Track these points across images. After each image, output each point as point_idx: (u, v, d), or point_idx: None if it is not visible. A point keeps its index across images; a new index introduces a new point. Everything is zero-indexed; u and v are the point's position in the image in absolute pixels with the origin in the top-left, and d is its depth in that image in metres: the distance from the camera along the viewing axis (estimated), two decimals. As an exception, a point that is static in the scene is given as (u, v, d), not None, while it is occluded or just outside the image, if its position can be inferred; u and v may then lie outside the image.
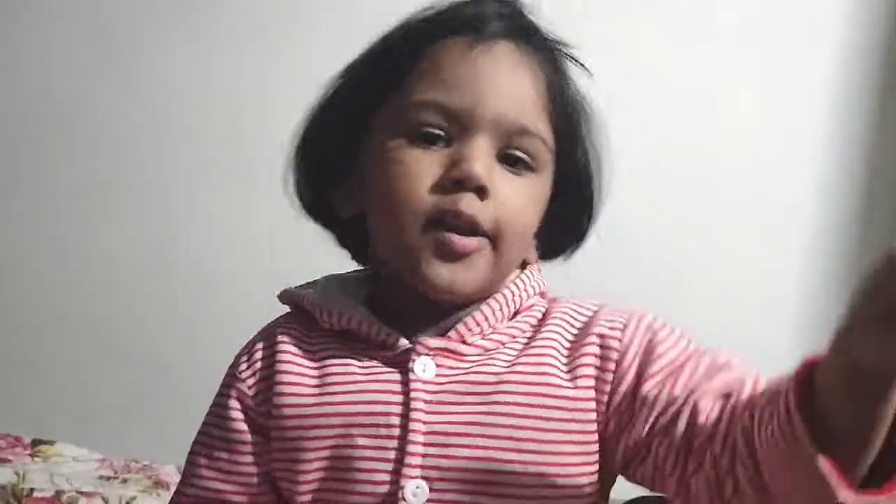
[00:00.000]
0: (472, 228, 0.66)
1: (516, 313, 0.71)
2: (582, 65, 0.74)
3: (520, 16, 0.71)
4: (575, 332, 0.69)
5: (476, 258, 0.67)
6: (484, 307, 0.69)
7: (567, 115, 0.71)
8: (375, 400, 0.66)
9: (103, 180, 1.59)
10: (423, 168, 0.66)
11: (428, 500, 0.63)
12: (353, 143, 0.71)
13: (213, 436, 0.72)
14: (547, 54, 0.71)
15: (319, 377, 0.68)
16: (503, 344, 0.69)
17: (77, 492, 1.28)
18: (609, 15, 1.54)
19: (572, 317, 0.71)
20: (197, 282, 1.58)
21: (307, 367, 0.69)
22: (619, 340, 0.67)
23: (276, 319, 0.75)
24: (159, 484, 1.34)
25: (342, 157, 0.72)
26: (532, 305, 0.72)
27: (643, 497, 1.02)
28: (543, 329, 0.70)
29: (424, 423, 0.65)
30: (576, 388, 0.66)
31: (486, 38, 0.68)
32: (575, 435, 0.65)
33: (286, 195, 0.76)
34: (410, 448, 0.64)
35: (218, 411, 0.72)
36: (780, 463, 0.53)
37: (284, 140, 0.75)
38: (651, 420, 0.64)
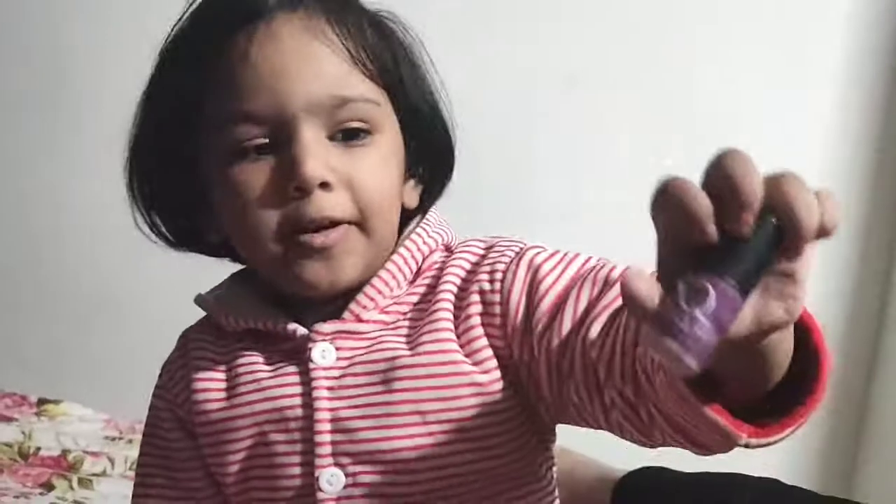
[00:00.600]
0: (331, 224, 0.62)
1: (417, 275, 0.68)
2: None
3: None
4: (461, 286, 0.65)
5: (344, 247, 0.63)
6: (375, 280, 0.66)
7: (382, 60, 0.65)
8: (280, 395, 0.65)
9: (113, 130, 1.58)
10: (259, 184, 0.62)
11: (345, 486, 0.63)
12: (189, 168, 0.66)
13: (151, 454, 0.72)
14: (340, 13, 0.65)
15: (228, 381, 0.67)
16: (403, 314, 0.66)
17: (83, 451, 1.29)
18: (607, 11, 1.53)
19: (460, 268, 0.66)
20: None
21: (217, 373, 0.68)
22: (499, 292, 0.63)
23: (192, 325, 0.74)
24: (164, 445, 1.35)
25: (187, 185, 0.67)
26: (433, 264, 0.68)
27: (643, 468, 1.02)
28: (437, 292, 0.65)
29: (329, 409, 0.63)
30: (475, 362, 0.63)
31: (264, 19, 0.62)
32: (482, 408, 0.63)
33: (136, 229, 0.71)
34: (318, 438, 0.63)
35: (152, 422, 0.72)
36: (676, 410, 0.49)
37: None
38: (553, 368, 0.60)
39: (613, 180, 1.54)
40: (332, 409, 0.63)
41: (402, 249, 0.67)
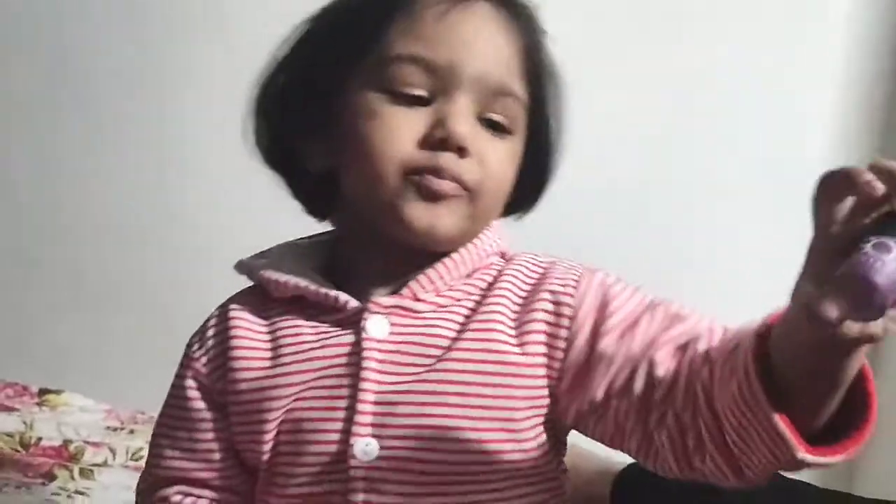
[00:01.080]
0: (456, 183, 0.66)
1: (474, 271, 0.71)
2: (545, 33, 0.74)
3: None
4: (526, 289, 0.69)
5: (455, 203, 0.66)
6: (438, 265, 0.69)
7: (539, 79, 0.72)
8: (327, 364, 0.66)
9: (105, 127, 1.58)
10: (404, 125, 0.66)
11: (378, 458, 0.64)
12: (327, 94, 0.69)
13: (172, 416, 0.73)
14: (523, 18, 0.71)
15: (272, 347, 0.69)
16: (457, 300, 0.69)
17: (84, 441, 1.29)
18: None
19: (524, 274, 0.70)
20: (206, 231, 1.57)
21: (260, 338, 0.70)
22: (572, 297, 0.66)
23: (235, 294, 0.75)
24: (165, 435, 1.35)
25: (315, 108, 0.70)
26: (490, 265, 0.72)
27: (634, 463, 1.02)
28: (495, 288, 0.69)
29: (376, 381, 0.65)
30: (524, 353, 0.66)
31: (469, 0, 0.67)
32: (522, 400, 0.66)
33: (245, 141, 0.74)
34: (360, 407, 0.65)
35: (176, 392, 0.73)
36: (740, 420, 0.53)
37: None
38: (609, 377, 0.64)
39: (613, 175, 1.55)
40: (378, 382, 0.65)
41: (469, 244, 0.71)
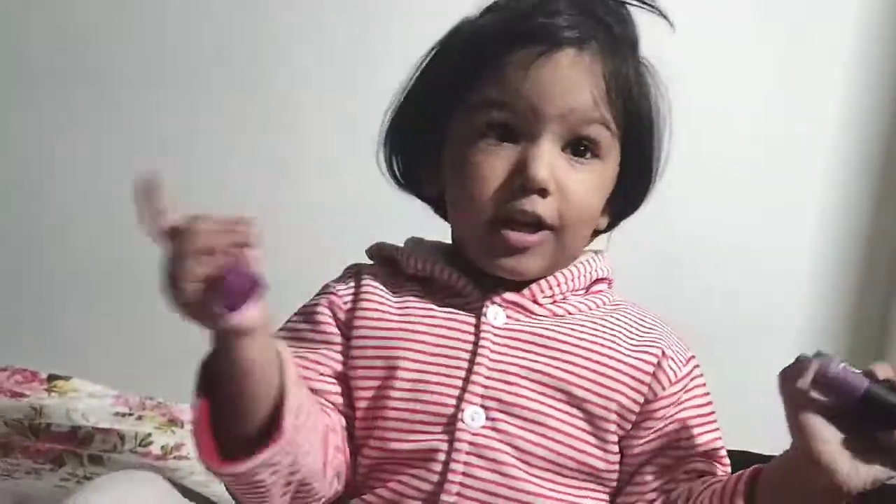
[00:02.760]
0: (536, 224, 0.73)
1: (588, 289, 0.79)
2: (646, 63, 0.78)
3: (588, 21, 0.73)
4: (639, 335, 0.76)
5: (538, 249, 0.74)
6: (559, 273, 0.77)
7: (630, 102, 0.75)
8: (450, 336, 0.74)
9: (111, 114, 1.58)
10: (491, 168, 0.72)
11: (483, 426, 0.71)
12: (437, 133, 0.77)
13: (297, 327, 0.78)
14: (612, 48, 0.74)
15: (401, 311, 0.76)
16: (571, 314, 0.77)
17: (93, 427, 1.29)
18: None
19: (639, 320, 0.78)
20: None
21: (390, 301, 0.77)
22: (675, 372, 0.74)
23: (360, 263, 0.82)
24: (174, 421, 1.35)
25: (428, 144, 0.78)
26: (601, 291, 0.80)
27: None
28: (612, 315, 0.77)
29: (490, 359, 0.73)
30: (633, 378, 0.74)
31: (553, 48, 0.72)
32: (615, 413, 0.73)
33: (379, 172, 0.84)
34: (474, 378, 0.72)
35: (307, 310, 0.79)
36: None
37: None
38: (641, 456, 0.74)
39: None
40: (492, 360, 0.73)
41: (587, 258, 0.80)
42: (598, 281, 0.80)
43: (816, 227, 1.59)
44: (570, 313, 0.77)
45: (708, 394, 0.77)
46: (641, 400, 0.73)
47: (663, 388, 0.74)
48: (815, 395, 0.61)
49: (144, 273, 1.68)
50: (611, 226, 0.83)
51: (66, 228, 1.60)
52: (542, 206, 0.72)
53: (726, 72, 1.53)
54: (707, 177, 1.53)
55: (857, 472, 0.60)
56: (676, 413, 0.74)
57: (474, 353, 0.73)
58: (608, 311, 0.78)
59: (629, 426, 0.74)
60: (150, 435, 1.30)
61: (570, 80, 0.72)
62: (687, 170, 1.51)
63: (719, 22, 1.53)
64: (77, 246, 1.61)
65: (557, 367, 0.73)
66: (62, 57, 1.56)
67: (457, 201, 0.76)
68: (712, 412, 0.76)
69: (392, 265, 0.80)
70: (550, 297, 0.77)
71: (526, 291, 0.76)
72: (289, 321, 0.79)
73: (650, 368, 0.74)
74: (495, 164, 0.72)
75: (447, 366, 0.73)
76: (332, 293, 0.78)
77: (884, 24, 1.55)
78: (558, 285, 0.77)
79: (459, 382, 0.72)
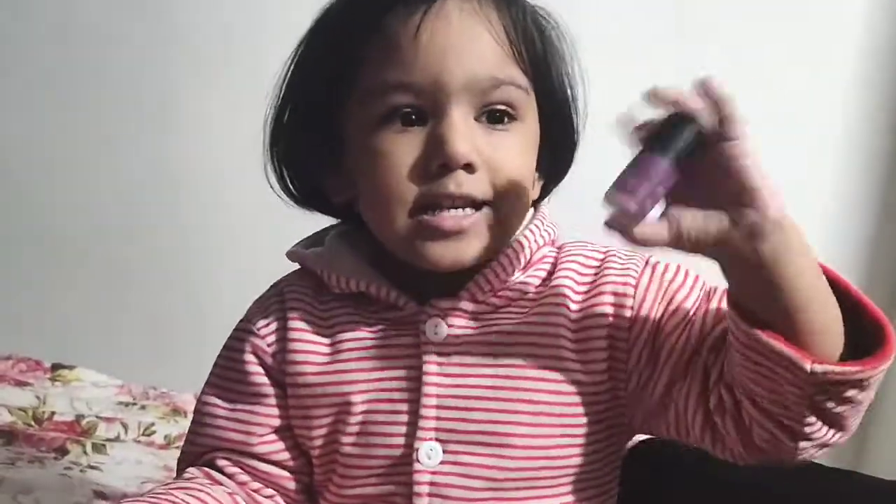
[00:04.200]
0: (468, 204, 0.64)
1: (528, 265, 0.70)
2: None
3: None
4: (583, 289, 0.68)
5: (475, 230, 0.65)
6: (494, 265, 0.68)
7: (535, 53, 0.68)
8: (391, 366, 0.67)
9: (115, 106, 1.58)
10: (403, 154, 0.64)
11: (441, 462, 0.65)
12: (333, 132, 0.68)
13: (227, 388, 0.71)
14: None
15: (331, 344, 0.68)
16: (513, 300, 0.68)
17: (97, 416, 1.30)
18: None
19: (582, 265, 0.69)
20: (219, 209, 1.58)
21: (319, 332, 0.69)
22: (633, 297, 0.66)
23: (286, 277, 0.74)
24: (177, 411, 1.36)
25: (325, 148, 0.69)
26: (543, 257, 0.70)
27: (648, 439, 1.02)
28: (553, 282, 0.68)
29: (438, 385, 0.66)
30: (586, 361, 0.66)
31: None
32: (585, 406, 0.66)
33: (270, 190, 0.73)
34: (424, 412, 0.65)
35: (234, 365, 0.71)
36: (751, 368, 0.57)
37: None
38: (668, 374, 0.64)
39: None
40: (439, 385, 0.66)
41: (521, 238, 0.69)
42: (540, 248, 0.70)
43: (820, 234, 1.59)
44: (512, 300, 0.68)
45: (678, 270, 0.68)
46: (622, 340, 0.65)
47: (634, 321, 0.65)
48: (647, 222, 0.54)
49: (150, 264, 1.70)
50: (544, 193, 0.74)
51: (73, 217, 1.61)
52: (470, 184, 0.63)
53: (738, 73, 1.53)
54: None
55: (709, 218, 0.54)
56: (665, 312, 0.65)
57: (419, 381, 0.66)
58: (551, 280, 0.68)
59: (633, 384, 0.66)
60: (153, 424, 1.30)
61: (466, 38, 0.63)
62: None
63: (728, 26, 1.53)
64: (84, 235, 1.61)
65: (512, 377, 0.65)
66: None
67: (372, 201, 0.66)
68: (694, 278, 0.68)
69: (316, 277, 0.72)
70: (490, 290, 0.68)
71: (464, 293, 0.67)
72: (215, 369, 0.73)
73: (609, 301, 0.66)
74: (406, 150, 0.63)
75: (392, 400, 0.66)
76: (254, 334, 0.71)
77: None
78: (496, 276, 0.67)
79: (408, 417, 0.65)
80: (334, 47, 0.67)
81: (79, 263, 1.62)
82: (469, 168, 0.63)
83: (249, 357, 0.70)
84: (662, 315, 0.65)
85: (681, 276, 0.68)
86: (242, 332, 0.72)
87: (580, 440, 0.66)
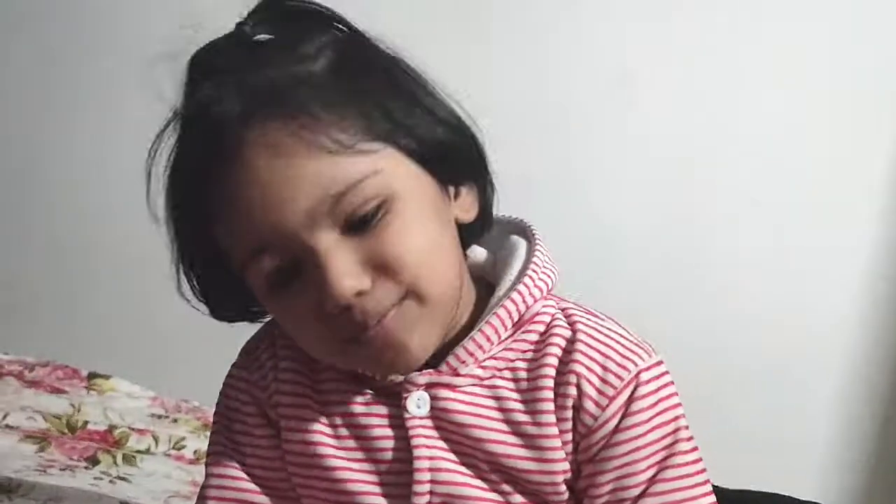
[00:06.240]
0: (385, 314, 0.59)
1: (518, 325, 0.65)
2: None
3: (251, 89, 0.59)
4: (571, 369, 0.64)
5: (403, 327, 0.60)
6: (477, 334, 0.64)
7: (365, 122, 0.59)
8: (378, 435, 0.65)
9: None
10: (300, 308, 0.60)
11: None
12: (237, 282, 0.64)
13: (232, 435, 0.69)
14: (286, 99, 0.58)
15: (320, 407, 0.67)
16: (499, 371, 0.65)
17: (129, 427, 1.30)
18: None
19: (568, 344, 0.65)
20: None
21: (308, 396, 0.67)
22: (603, 409, 0.63)
23: (273, 329, 0.70)
24: (208, 426, 1.36)
25: (231, 286, 0.65)
26: (535, 315, 0.66)
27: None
28: (543, 355, 0.64)
29: (429, 458, 0.64)
30: (564, 438, 0.64)
31: (234, 151, 0.58)
32: (561, 476, 0.64)
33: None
34: (417, 488, 0.64)
35: (235, 416, 0.70)
36: None
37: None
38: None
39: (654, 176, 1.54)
40: (431, 458, 0.64)
41: (507, 302, 0.65)
42: (529, 308, 0.65)
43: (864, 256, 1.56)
44: (498, 370, 0.65)
45: (655, 402, 0.64)
46: (582, 435, 0.63)
47: (593, 419, 0.63)
48: None
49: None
50: (485, 206, 0.67)
51: (112, 228, 1.63)
52: (374, 301, 0.58)
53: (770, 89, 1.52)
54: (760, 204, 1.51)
55: None
56: (617, 450, 0.63)
57: (409, 452, 0.64)
58: (543, 347, 0.65)
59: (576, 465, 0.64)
60: (184, 439, 1.30)
61: (277, 179, 0.57)
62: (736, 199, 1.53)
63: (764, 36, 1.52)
64: (124, 246, 1.63)
65: (497, 453, 0.63)
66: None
67: (296, 339, 0.64)
68: (658, 410, 0.64)
69: None
70: (474, 362, 0.64)
71: (444, 367, 0.64)
72: (216, 426, 0.71)
73: (569, 402, 0.63)
74: (300, 302, 0.59)
75: (381, 472, 0.65)
76: (248, 383, 0.69)
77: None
78: (479, 348, 0.64)
79: (397, 490, 0.64)
80: (185, 205, 0.63)
81: (121, 273, 1.63)
82: (362, 294, 0.58)
83: (249, 409, 0.69)
84: (608, 442, 0.63)
85: (650, 412, 0.63)
86: (235, 380, 0.70)
87: None
